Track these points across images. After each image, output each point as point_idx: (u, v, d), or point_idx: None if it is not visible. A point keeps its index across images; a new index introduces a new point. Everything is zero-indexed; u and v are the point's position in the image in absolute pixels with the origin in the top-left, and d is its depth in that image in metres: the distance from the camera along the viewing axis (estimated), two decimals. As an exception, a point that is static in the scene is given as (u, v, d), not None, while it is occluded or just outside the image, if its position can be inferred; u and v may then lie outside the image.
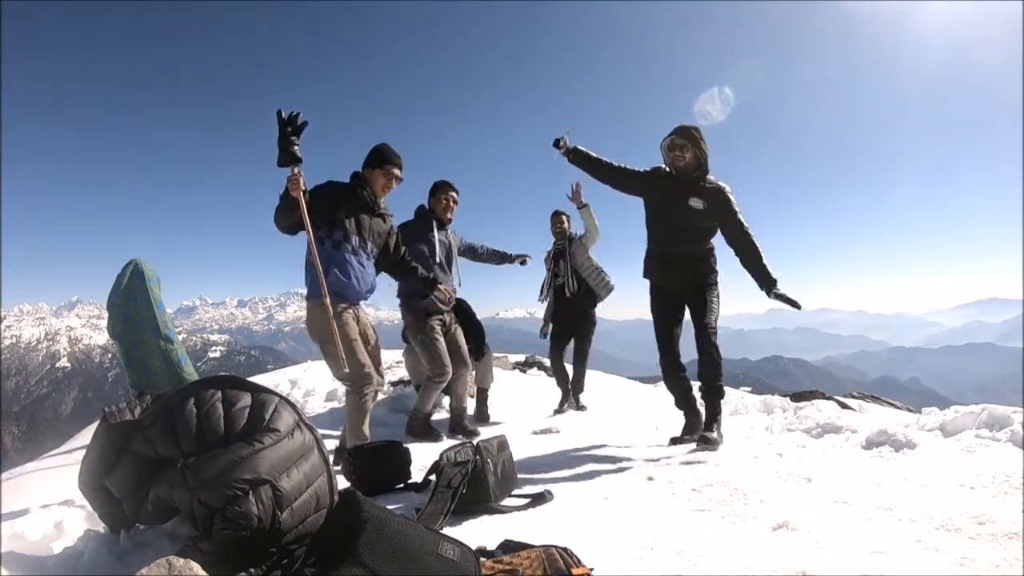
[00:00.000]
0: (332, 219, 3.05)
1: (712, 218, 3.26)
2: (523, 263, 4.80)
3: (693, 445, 3.17)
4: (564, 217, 5.16)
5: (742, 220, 3.22)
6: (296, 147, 2.89)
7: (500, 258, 4.73)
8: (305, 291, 3.10)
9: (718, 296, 3.31)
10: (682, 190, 3.23)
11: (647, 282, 3.52)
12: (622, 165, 3.41)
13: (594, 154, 3.43)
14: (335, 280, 3.01)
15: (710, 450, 3.00)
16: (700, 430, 3.25)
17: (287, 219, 2.96)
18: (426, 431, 3.95)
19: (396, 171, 3.24)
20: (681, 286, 3.33)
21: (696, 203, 3.20)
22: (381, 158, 3.21)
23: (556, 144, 3.42)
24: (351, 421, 3.07)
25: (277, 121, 2.87)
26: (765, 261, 3.16)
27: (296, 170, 2.89)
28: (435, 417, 4.58)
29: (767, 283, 3.14)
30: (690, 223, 3.26)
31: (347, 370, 2.95)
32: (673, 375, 3.41)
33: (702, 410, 3.35)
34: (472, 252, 4.60)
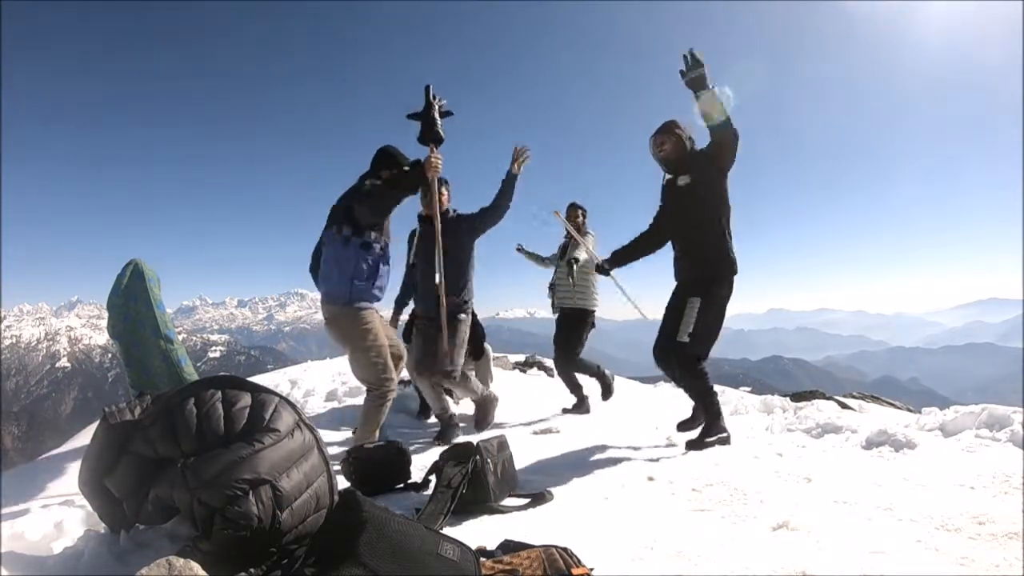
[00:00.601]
0: (381, 224, 2.95)
1: (704, 182, 3.09)
2: (517, 164, 3.58)
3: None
4: (579, 211, 4.94)
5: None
6: (440, 127, 2.75)
7: (500, 196, 3.62)
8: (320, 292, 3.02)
9: (706, 302, 3.06)
10: (675, 178, 3.20)
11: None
12: (652, 224, 3.37)
13: (627, 245, 3.41)
14: (379, 287, 2.95)
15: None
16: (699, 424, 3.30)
17: (396, 199, 2.74)
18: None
19: None
20: (685, 279, 3.26)
21: (683, 180, 3.13)
22: (394, 162, 3.08)
23: (600, 269, 3.51)
24: (367, 423, 3.07)
25: (425, 97, 2.76)
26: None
27: (436, 151, 2.72)
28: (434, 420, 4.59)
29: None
30: (681, 204, 3.17)
31: (385, 375, 2.99)
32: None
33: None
34: (481, 218, 3.71)
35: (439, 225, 2.90)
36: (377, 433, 3.14)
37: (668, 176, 3.26)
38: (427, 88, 2.78)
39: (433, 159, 2.71)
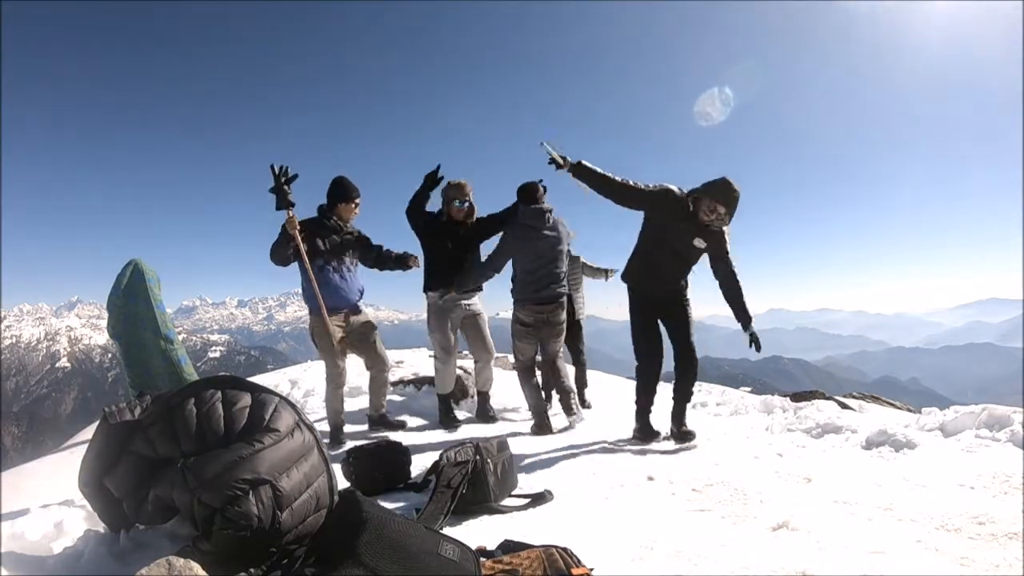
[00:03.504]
0: (311, 249, 3.67)
1: (706, 252, 3.40)
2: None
3: (694, 443, 3.22)
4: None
5: (732, 259, 3.39)
6: (290, 193, 3.49)
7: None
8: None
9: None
10: (692, 230, 3.31)
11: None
12: (627, 181, 3.41)
13: (599, 169, 3.43)
14: (326, 295, 3.67)
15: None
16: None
17: (282, 253, 3.59)
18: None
19: (358, 200, 3.87)
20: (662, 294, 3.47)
21: (699, 243, 3.35)
22: (345, 193, 3.82)
23: (554, 163, 3.45)
24: (327, 401, 3.86)
25: (272, 173, 3.47)
26: (745, 299, 3.38)
27: (291, 213, 3.50)
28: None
29: (745, 321, 3.41)
30: (686, 255, 3.40)
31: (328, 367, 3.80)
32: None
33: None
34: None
35: (301, 246, 3.59)
36: (342, 413, 3.84)
37: (685, 229, 3.32)
38: (271, 167, 3.48)
39: (287, 223, 3.50)
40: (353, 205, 3.85)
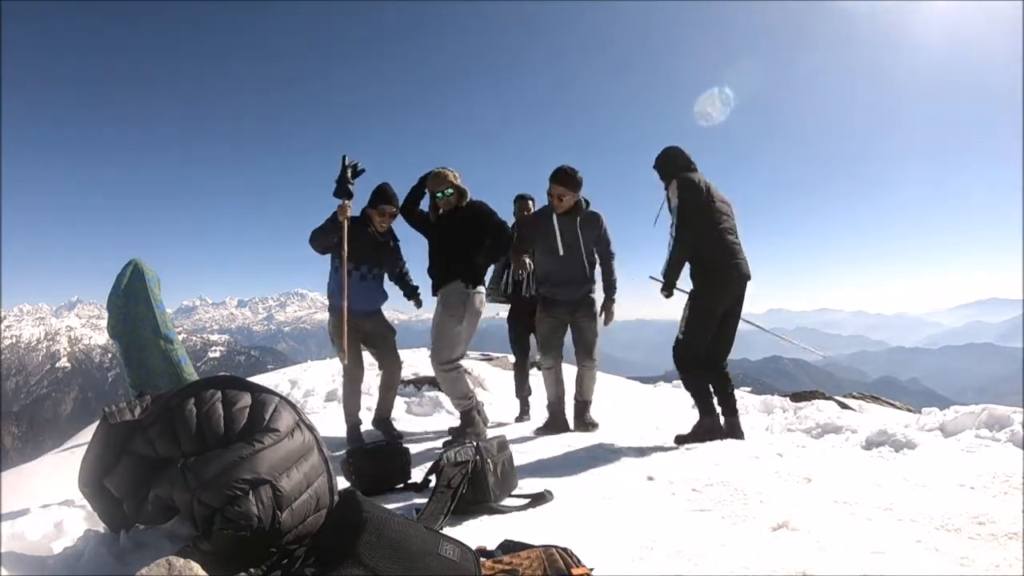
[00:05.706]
0: (349, 252, 3.74)
1: None
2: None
3: (693, 444, 3.23)
4: (530, 202, 4.64)
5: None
6: (351, 185, 3.65)
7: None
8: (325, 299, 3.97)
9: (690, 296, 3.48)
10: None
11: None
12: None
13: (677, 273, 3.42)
14: (350, 298, 3.71)
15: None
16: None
17: (326, 241, 3.70)
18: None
19: (391, 209, 3.89)
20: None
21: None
22: (381, 199, 3.87)
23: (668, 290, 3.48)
24: (343, 400, 3.91)
25: (341, 163, 3.66)
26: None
27: (347, 202, 3.63)
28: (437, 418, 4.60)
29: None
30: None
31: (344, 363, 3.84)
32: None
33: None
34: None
35: (345, 237, 3.67)
36: (358, 413, 3.86)
37: None
38: (342, 158, 3.68)
39: (340, 210, 3.63)
40: (384, 214, 3.86)
